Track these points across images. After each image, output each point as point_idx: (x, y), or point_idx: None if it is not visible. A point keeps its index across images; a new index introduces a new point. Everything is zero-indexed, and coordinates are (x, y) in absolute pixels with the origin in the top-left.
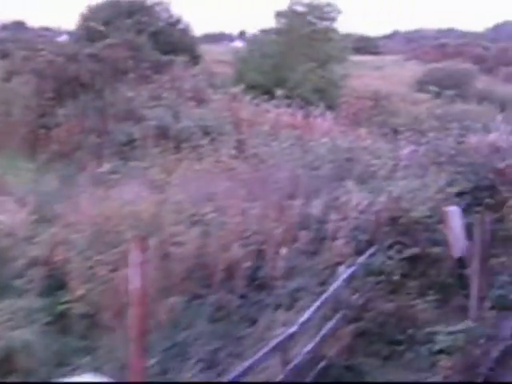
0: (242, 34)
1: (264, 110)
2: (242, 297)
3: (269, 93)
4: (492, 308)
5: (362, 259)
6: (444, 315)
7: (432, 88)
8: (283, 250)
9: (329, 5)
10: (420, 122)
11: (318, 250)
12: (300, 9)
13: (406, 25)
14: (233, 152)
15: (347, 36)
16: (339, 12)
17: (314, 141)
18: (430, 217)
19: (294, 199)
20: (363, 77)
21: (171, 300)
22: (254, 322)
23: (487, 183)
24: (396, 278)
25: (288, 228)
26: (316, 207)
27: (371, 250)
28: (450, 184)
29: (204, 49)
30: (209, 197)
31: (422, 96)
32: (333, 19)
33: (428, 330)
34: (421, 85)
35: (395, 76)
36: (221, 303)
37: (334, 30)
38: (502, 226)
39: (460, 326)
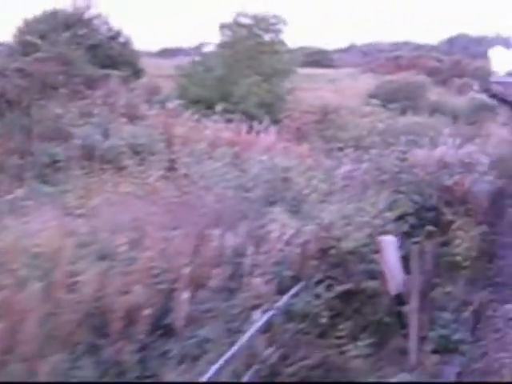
0: (198, 48)
1: (203, 127)
2: (143, 348)
3: (212, 107)
4: (434, 351)
5: (283, 301)
6: (380, 361)
7: (374, 101)
8: (186, 293)
9: (275, 17)
10: (364, 138)
11: (235, 290)
12: (245, 21)
13: (362, 38)
14: (162, 173)
15: (300, 49)
16: (285, 24)
17: (252, 159)
18: (365, 245)
19: (219, 227)
20: (317, 90)
21: (55, 357)
22: (154, 378)
23: (433, 203)
24: (324, 320)
25: (203, 263)
26: (235, 238)
27: (295, 289)
28: (391, 206)
29: (157, 63)
30: (126, 225)
31: (367, 109)
32: (279, 31)
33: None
34: (372, 98)
35: (349, 89)
36: (117, 357)
37: (281, 43)
38: (447, 250)
39: (394, 380)
